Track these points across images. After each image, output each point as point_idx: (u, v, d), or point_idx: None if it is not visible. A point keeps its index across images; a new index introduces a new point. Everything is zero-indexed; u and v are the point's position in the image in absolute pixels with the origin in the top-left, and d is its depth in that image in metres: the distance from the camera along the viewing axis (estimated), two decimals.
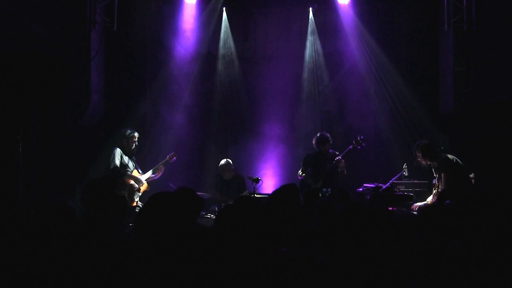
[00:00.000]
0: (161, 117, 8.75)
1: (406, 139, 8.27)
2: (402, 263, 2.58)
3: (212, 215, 6.39)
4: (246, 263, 2.61)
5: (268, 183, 8.49)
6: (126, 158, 6.87)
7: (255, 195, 7.03)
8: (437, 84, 8.33)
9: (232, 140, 9.01)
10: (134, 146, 6.99)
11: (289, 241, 2.93)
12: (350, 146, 7.24)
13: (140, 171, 7.07)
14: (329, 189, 3.51)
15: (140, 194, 6.94)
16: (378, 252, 2.56)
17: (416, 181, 7.21)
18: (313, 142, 7.41)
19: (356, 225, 2.61)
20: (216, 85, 9.06)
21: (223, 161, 7.68)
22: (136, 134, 7.00)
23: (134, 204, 6.79)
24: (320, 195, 3.59)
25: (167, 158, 7.23)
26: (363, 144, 7.25)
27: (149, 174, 7.07)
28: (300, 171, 7.47)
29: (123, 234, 3.26)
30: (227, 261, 2.68)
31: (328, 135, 7.38)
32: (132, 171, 6.91)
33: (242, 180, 7.70)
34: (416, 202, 6.32)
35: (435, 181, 6.28)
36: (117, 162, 6.73)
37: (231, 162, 7.68)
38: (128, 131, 6.98)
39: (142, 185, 6.94)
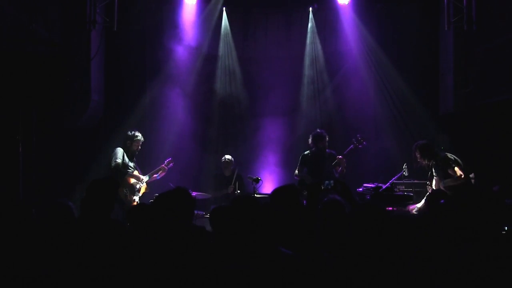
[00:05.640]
0: (161, 117, 8.75)
1: (406, 139, 8.25)
2: (411, 264, 2.58)
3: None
4: (245, 264, 2.60)
5: (268, 183, 8.49)
6: (127, 159, 6.85)
7: (255, 195, 7.03)
8: (437, 84, 8.33)
9: (232, 140, 9.01)
10: (137, 149, 6.95)
11: (291, 242, 2.93)
12: (351, 146, 7.17)
13: (140, 172, 7.05)
14: (331, 181, 3.49)
15: (140, 194, 6.93)
16: (387, 255, 2.56)
17: (416, 181, 7.21)
18: (309, 140, 7.33)
19: (371, 228, 2.60)
20: (216, 85, 9.05)
21: (226, 157, 7.79)
22: (141, 138, 6.95)
23: (135, 204, 6.77)
24: (323, 187, 3.57)
25: (163, 164, 7.16)
26: (364, 142, 7.18)
27: (147, 177, 7.04)
28: (296, 170, 7.42)
29: (124, 233, 3.27)
30: (225, 262, 2.68)
31: (324, 132, 7.33)
32: (132, 172, 6.89)
33: (241, 178, 7.75)
34: (415, 203, 6.33)
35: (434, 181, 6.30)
36: (119, 160, 6.70)
37: (232, 158, 7.81)
38: (134, 133, 6.92)
39: (143, 185, 6.92)
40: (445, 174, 6.16)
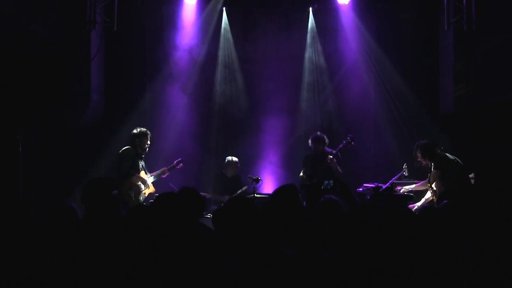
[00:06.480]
0: (161, 117, 8.75)
1: (406, 139, 8.25)
2: (411, 263, 2.58)
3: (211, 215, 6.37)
4: (247, 265, 2.60)
5: (268, 183, 8.49)
6: (136, 158, 6.72)
7: (255, 195, 7.03)
8: (437, 84, 8.33)
9: (232, 140, 9.01)
10: (146, 145, 6.80)
11: (291, 242, 2.93)
12: (341, 145, 7.23)
13: (147, 172, 6.97)
14: (331, 182, 3.49)
15: (146, 196, 6.82)
16: (386, 255, 2.56)
17: (416, 181, 7.21)
18: (309, 142, 7.37)
19: (370, 228, 2.60)
20: (216, 85, 9.06)
21: (230, 158, 7.75)
22: (149, 133, 6.81)
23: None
24: (322, 187, 3.58)
25: (173, 164, 7.12)
26: (352, 143, 7.20)
27: (153, 178, 6.96)
28: (302, 172, 7.44)
29: (125, 234, 3.26)
30: (228, 262, 2.68)
31: (322, 134, 7.33)
32: (139, 172, 6.81)
33: (240, 179, 7.75)
34: (415, 202, 6.35)
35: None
36: (128, 164, 6.60)
37: (237, 161, 7.76)
38: (141, 130, 6.77)
39: (148, 187, 6.84)
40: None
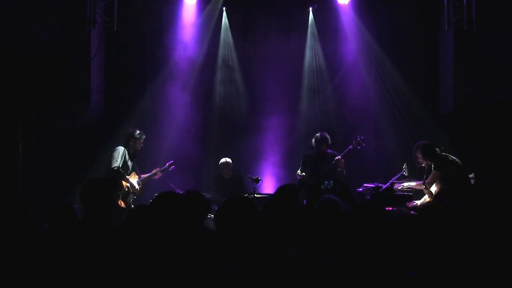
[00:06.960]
0: (161, 117, 8.75)
1: (406, 139, 8.27)
2: (408, 263, 2.58)
3: (212, 215, 6.37)
4: (249, 265, 2.60)
5: (268, 183, 8.49)
6: (128, 159, 6.80)
7: (255, 195, 7.03)
8: (437, 84, 8.33)
9: (232, 140, 9.01)
10: (140, 147, 6.90)
11: (292, 242, 2.93)
12: (350, 146, 7.25)
13: (138, 172, 7.00)
14: (331, 182, 3.49)
15: (135, 197, 6.84)
16: (386, 255, 2.56)
17: (416, 181, 7.21)
18: (312, 141, 7.39)
19: (370, 228, 2.60)
20: (216, 85, 9.06)
21: (222, 160, 7.74)
22: (144, 137, 6.92)
23: (124, 205, 6.66)
24: (322, 187, 3.57)
25: (165, 166, 7.18)
26: (363, 144, 7.25)
27: (142, 180, 6.99)
28: (299, 170, 7.46)
29: (123, 234, 3.26)
30: (229, 263, 2.68)
31: (327, 135, 7.35)
32: (130, 173, 6.83)
33: (241, 179, 7.73)
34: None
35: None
36: (118, 163, 6.64)
37: (231, 161, 7.71)
38: (138, 132, 6.85)
39: (138, 188, 6.84)
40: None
